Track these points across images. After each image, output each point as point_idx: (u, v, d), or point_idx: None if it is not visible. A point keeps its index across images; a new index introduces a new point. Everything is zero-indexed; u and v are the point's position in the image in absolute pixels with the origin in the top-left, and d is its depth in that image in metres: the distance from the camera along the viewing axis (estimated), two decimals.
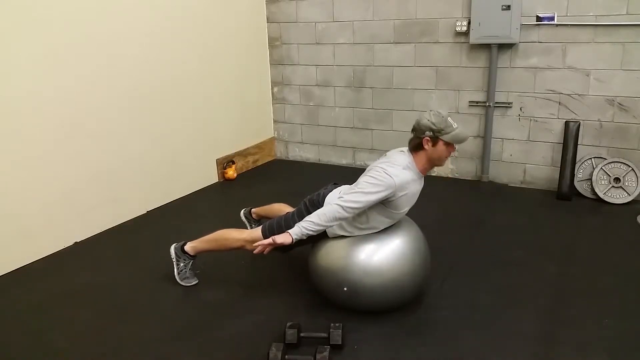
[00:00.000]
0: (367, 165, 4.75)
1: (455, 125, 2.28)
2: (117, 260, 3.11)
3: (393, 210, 2.34)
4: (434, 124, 2.25)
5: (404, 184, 2.26)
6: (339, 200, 2.24)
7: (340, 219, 2.26)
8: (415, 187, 2.35)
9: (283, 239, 2.23)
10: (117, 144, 3.56)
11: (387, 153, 2.46)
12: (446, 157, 2.35)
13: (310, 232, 2.24)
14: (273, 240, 2.22)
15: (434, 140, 2.27)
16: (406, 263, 2.36)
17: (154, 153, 3.88)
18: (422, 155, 2.33)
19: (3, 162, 2.89)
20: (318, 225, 2.23)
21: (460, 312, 2.48)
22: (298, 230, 2.23)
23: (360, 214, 2.34)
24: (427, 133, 2.26)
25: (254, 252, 2.29)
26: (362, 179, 2.31)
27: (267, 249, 2.28)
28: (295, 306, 2.54)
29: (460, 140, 2.31)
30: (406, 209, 2.40)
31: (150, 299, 2.66)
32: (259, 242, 2.27)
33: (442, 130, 2.25)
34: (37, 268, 3.04)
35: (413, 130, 2.33)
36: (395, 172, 2.24)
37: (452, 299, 2.59)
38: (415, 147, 2.34)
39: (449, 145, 2.29)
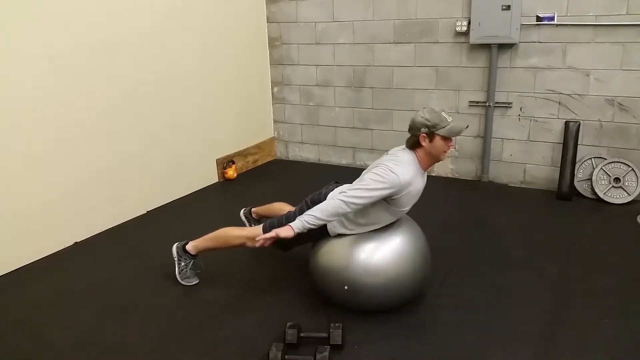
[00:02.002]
0: (367, 166, 4.78)
1: (450, 119, 2.30)
2: (117, 261, 3.11)
3: (396, 208, 2.35)
4: (427, 119, 2.27)
5: (408, 181, 2.28)
6: (342, 196, 2.24)
7: (342, 214, 2.27)
8: (418, 185, 2.36)
9: (285, 232, 2.25)
10: (117, 144, 3.56)
11: (389, 152, 2.46)
12: (445, 152, 2.36)
13: (312, 226, 2.25)
14: (275, 233, 2.25)
15: (431, 136, 2.29)
16: (407, 262, 2.36)
17: (154, 153, 3.88)
18: (421, 152, 2.35)
19: (3, 162, 2.89)
20: (319, 219, 2.24)
21: (460, 312, 2.48)
22: (300, 224, 2.24)
23: (362, 210, 2.34)
24: (423, 130, 2.28)
25: (256, 245, 2.33)
26: (366, 175, 2.32)
27: (269, 242, 2.31)
28: (295, 306, 2.54)
29: (456, 133, 2.31)
30: (409, 206, 2.40)
31: (151, 298, 2.66)
32: (261, 236, 2.30)
33: (437, 125, 2.27)
34: (37, 268, 3.04)
35: (409, 129, 2.35)
36: (399, 170, 2.25)
37: (452, 299, 2.59)
38: (413, 145, 2.36)
39: (447, 139, 2.31)
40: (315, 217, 2.23)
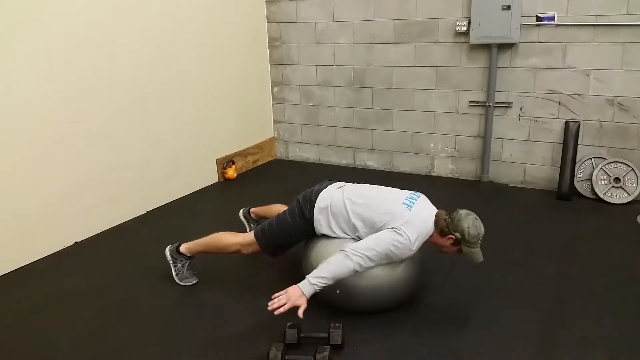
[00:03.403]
0: (368, 166, 4.79)
1: (478, 246, 2.28)
2: (117, 261, 3.11)
3: None
4: (469, 234, 2.23)
5: (412, 255, 2.31)
6: (359, 258, 2.18)
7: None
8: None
9: (298, 301, 2.12)
10: (117, 144, 3.56)
11: (418, 206, 2.34)
12: (451, 254, 2.38)
13: (323, 287, 2.19)
14: (290, 304, 2.10)
15: (456, 242, 2.28)
16: (398, 265, 2.35)
17: (154, 153, 3.88)
18: (438, 237, 2.33)
19: (3, 162, 2.89)
20: (331, 281, 2.18)
21: (460, 312, 2.48)
22: (311, 290, 2.16)
23: (352, 228, 2.37)
24: (457, 235, 2.25)
25: (270, 309, 2.12)
26: (386, 240, 2.22)
27: (284, 309, 2.11)
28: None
29: (472, 261, 2.31)
30: None
31: (150, 299, 2.66)
32: (276, 309, 2.10)
33: (468, 243, 2.25)
34: (37, 268, 3.04)
35: (451, 216, 2.29)
36: (415, 247, 2.26)
37: (452, 299, 2.59)
38: (439, 231, 2.31)
39: (462, 253, 2.31)
40: (327, 278, 2.17)
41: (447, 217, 2.30)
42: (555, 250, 3.09)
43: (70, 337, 2.36)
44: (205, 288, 2.74)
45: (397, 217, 2.27)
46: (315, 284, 2.16)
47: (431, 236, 2.34)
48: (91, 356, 2.22)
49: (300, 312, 2.10)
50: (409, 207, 2.31)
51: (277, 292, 2.15)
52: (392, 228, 2.24)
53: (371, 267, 2.24)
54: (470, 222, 2.25)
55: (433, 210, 2.40)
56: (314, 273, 2.19)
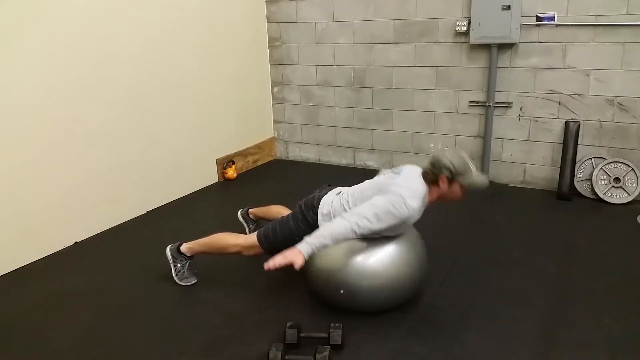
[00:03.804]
0: (368, 166, 4.79)
1: (474, 170, 2.25)
2: (117, 261, 3.11)
3: (387, 233, 2.34)
4: (454, 166, 2.21)
5: (415, 216, 2.27)
6: (355, 218, 2.19)
7: (350, 238, 2.24)
8: (417, 217, 2.32)
9: (294, 257, 2.12)
10: (117, 144, 3.56)
11: (404, 171, 2.37)
12: (460, 198, 2.32)
13: (321, 249, 2.19)
14: (286, 260, 2.12)
15: (451, 181, 2.25)
16: (402, 265, 2.35)
17: (154, 153, 3.88)
18: (435, 190, 2.31)
19: (3, 162, 2.89)
20: (329, 240, 2.18)
21: (460, 312, 2.48)
22: (308, 248, 2.15)
23: None
24: (445, 172, 2.23)
25: (267, 269, 2.15)
26: (380, 200, 2.22)
27: (280, 264, 2.13)
28: (295, 306, 2.54)
29: (477, 188, 2.26)
30: (400, 231, 2.39)
31: (150, 299, 2.66)
32: (271, 264, 2.12)
33: (461, 174, 2.23)
34: (37, 268, 3.04)
35: (432, 165, 2.27)
36: (413, 205, 2.21)
37: (452, 299, 2.59)
38: (431, 181, 2.30)
39: (465, 187, 2.27)
40: (325, 237, 2.17)
41: (429, 166, 2.30)
42: (555, 250, 3.09)
43: (70, 337, 2.36)
44: (205, 288, 2.74)
45: (384, 187, 2.29)
46: (312, 243, 2.15)
47: (430, 193, 2.31)
48: (91, 356, 2.22)
49: (297, 266, 2.09)
50: (394, 178, 2.33)
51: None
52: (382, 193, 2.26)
53: (370, 230, 2.22)
54: (448, 155, 2.25)
55: (419, 170, 2.38)
56: (312, 234, 2.20)
